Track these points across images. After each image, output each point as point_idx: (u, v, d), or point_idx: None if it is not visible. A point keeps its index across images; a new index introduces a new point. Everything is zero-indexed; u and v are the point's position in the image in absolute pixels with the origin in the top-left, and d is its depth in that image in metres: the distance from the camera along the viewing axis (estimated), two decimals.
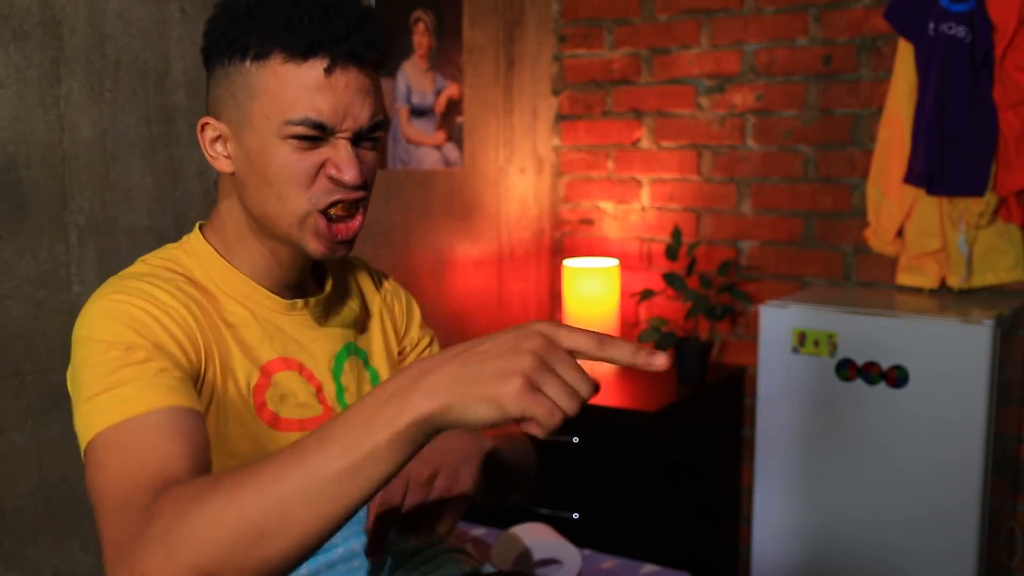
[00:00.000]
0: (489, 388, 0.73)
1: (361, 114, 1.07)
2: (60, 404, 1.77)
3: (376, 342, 1.30)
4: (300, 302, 1.18)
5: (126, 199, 1.88)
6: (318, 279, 1.25)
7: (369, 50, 1.06)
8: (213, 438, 1.07)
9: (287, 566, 0.78)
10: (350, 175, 1.06)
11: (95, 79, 1.81)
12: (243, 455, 1.09)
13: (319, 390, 1.18)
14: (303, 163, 1.06)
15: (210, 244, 1.17)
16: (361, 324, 1.28)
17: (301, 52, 1.03)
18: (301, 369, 1.17)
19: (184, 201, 1.98)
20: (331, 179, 1.07)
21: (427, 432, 0.76)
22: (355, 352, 1.25)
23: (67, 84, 1.77)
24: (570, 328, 0.78)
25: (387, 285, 1.38)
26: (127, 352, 0.98)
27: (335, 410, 1.18)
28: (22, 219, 1.72)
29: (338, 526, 0.78)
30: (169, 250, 1.18)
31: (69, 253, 1.79)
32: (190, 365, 1.04)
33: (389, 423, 0.75)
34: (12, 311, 1.71)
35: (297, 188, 1.06)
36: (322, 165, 1.06)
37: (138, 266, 1.15)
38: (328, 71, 1.04)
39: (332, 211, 1.08)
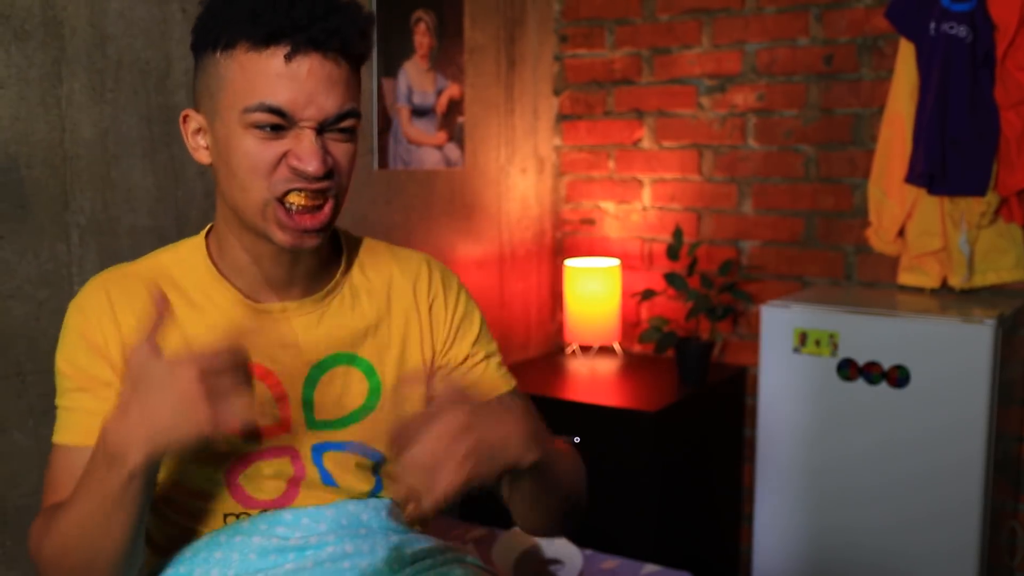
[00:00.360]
0: (188, 425, 0.94)
1: (327, 103, 1.06)
2: None
3: (391, 351, 1.23)
4: (278, 306, 1.17)
5: (127, 199, 1.88)
6: (322, 279, 1.21)
7: (332, 37, 1.04)
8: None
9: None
10: (312, 165, 1.05)
11: (96, 79, 1.81)
12: (192, 459, 1.13)
13: (281, 399, 1.15)
14: (264, 153, 1.06)
15: (208, 243, 1.19)
16: (373, 331, 1.22)
17: (263, 40, 1.04)
18: (266, 375, 1.15)
19: (185, 201, 1.99)
20: (292, 169, 1.06)
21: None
22: (351, 362, 1.20)
23: (68, 84, 1.77)
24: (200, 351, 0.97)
25: (438, 291, 1.29)
26: (67, 378, 1.13)
27: (296, 423, 1.16)
28: (23, 219, 1.72)
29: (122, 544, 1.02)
30: (183, 243, 1.22)
31: (70, 253, 1.79)
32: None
33: (117, 478, 0.98)
34: (13, 311, 1.71)
35: (257, 177, 1.06)
36: (284, 155, 1.06)
37: (127, 266, 1.21)
38: (288, 58, 1.04)
39: (290, 199, 1.07)
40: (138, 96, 1.89)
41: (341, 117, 1.07)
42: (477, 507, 2.59)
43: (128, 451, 0.94)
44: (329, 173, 1.08)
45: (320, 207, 1.09)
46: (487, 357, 1.31)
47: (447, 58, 2.68)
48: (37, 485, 1.76)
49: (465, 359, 1.29)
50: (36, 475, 1.75)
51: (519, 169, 3.04)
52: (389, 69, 2.48)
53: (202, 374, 0.93)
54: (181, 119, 1.15)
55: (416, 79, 2.58)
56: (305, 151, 1.05)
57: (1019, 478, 2.58)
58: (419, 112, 2.60)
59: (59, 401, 1.14)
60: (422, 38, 2.59)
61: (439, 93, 2.67)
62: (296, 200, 1.07)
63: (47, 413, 1.76)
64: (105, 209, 1.84)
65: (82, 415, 1.11)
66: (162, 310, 0.99)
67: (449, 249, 2.75)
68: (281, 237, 1.09)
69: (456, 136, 2.74)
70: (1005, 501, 2.48)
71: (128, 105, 1.87)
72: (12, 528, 1.73)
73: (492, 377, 1.30)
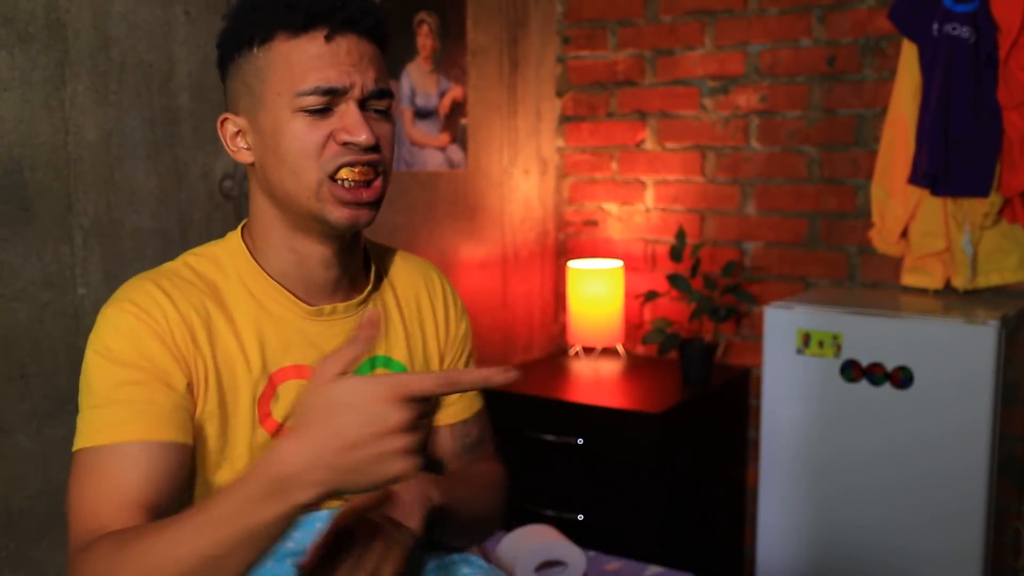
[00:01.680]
0: (379, 474, 0.81)
1: (366, 77, 1.09)
2: (65, 406, 1.77)
3: (418, 353, 1.29)
4: (327, 308, 1.18)
5: (131, 201, 1.88)
6: (358, 283, 1.23)
7: (366, 16, 1.09)
8: (216, 448, 1.11)
9: None
10: (363, 135, 1.08)
11: (100, 81, 1.82)
12: (240, 466, 1.12)
13: None
14: (312, 135, 1.08)
15: (244, 243, 1.19)
16: (403, 333, 1.27)
17: (301, 25, 1.07)
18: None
19: (188, 203, 1.99)
20: (342, 144, 1.08)
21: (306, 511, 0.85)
22: (387, 364, 1.24)
23: (72, 86, 1.77)
24: (410, 377, 0.83)
25: (450, 303, 1.36)
26: (124, 370, 1.04)
27: None
28: (27, 221, 1.72)
29: None
30: (211, 246, 1.20)
31: (74, 255, 1.79)
32: (186, 381, 1.08)
33: (271, 512, 0.83)
34: (17, 313, 1.71)
35: (308, 159, 1.08)
36: (330, 135, 1.09)
37: (169, 265, 1.17)
38: (328, 38, 1.08)
39: (342, 175, 1.09)
40: (141, 98, 1.89)
41: (380, 93, 1.11)
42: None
43: (299, 487, 0.82)
44: (376, 147, 1.10)
45: (371, 182, 1.11)
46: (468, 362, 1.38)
47: (450, 60, 2.68)
48: (41, 487, 1.76)
49: (453, 365, 1.35)
50: (39, 477, 1.76)
51: (522, 170, 3.04)
52: (392, 71, 2.47)
53: (413, 414, 0.82)
54: (219, 124, 1.16)
55: (419, 81, 2.58)
56: (352, 124, 1.08)
57: (1023, 479, 2.57)
58: (422, 114, 2.60)
59: (104, 398, 1.04)
60: (425, 40, 2.59)
61: (442, 95, 2.67)
62: (348, 175, 1.09)
63: (51, 415, 1.76)
64: (108, 211, 1.84)
65: (147, 407, 1.03)
66: (372, 329, 0.87)
67: (452, 251, 2.76)
68: (338, 215, 1.10)
69: (459, 138, 2.74)
70: (1009, 502, 2.47)
71: (131, 107, 1.87)
72: (15, 530, 1.73)
73: (471, 395, 1.36)
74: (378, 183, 1.12)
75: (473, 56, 2.79)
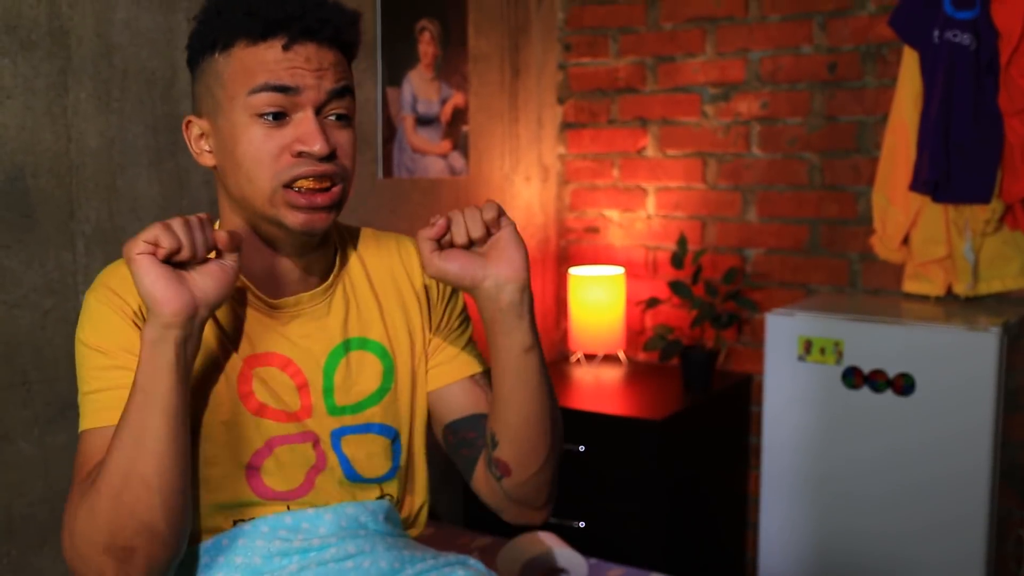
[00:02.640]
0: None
1: (323, 83, 1.10)
2: (66, 413, 1.78)
3: (400, 331, 1.27)
4: (291, 299, 1.19)
5: (133, 208, 1.88)
6: (325, 272, 1.24)
7: (325, 26, 1.10)
8: (202, 427, 1.14)
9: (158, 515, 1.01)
10: (317, 144, 1.08)
11: (102, 89, 1.82)
12: (225, 442, 1.15)
13: (302, 387, 1.19)
14: (268, 144, 1.09)
15: None
16: (380, 313, 1.26)
17: (260, 33, 1.08)
18: (286, 365, 1.19)
19: (190, 210, 1.99)
20: (297, 154, 1.09)
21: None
22: (363, 346, 1.24)
23: (74, 94, 1.78)
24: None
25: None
26: (104, 356, 1.11)
27: (317, 407, 1.19)
28: (29, 228, 1.72)
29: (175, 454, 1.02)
30: None
31: (76, 262, 1.80)
32: None
33: (154, 346, 1.01)
34: (19, 320, 1.72)
35: (262, 167, 1.09)
36: (287, 146, 1.09)
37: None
38: (286, 48, 1.09)
39: (298, 185, 1.09)
40: (144, 105, 1.89)
41: (340, 91, 1.11)
42: (482, 516, 2.58)
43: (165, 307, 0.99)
44: (332, 155, 1.10)
45: (328, 189, 1.11)
46: (469, 335, 1.35)
47: (451, 67, 2.69)
48: (42, 494, 1.76)
49: (455, 327, 1.33)
50: (41, 484, 1.76)
51: (523, 177, 3.04)
52: (393, 78, 2.48)
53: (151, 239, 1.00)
54: (184, 126, 1.18)
55: (420, 88, 2.59)
56: (307, 133, 1.08)
57: None
58: (423, 121, 2.61)
59: (93, 384, 1.11)
60: (426, 47, 2.60)
61: (443, 102, 2.67)
62: (304, 185, 1.10)
63: (52, 422, 1.76)
64: (111, 218, 1.85)
65: (125, 389, 1.08)
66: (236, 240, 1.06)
67: None
68: (293, 219, 1.10)
69: (460, 145, 2.75)
70: (1011, 509, 2.47)
71: (134, 114, 1.88)
72: (17, 537, 1.73)
73: (471, 353, 1.33)
74: (336, 189, 1.12)
75: (475, 63, 2.79)
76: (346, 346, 1.23)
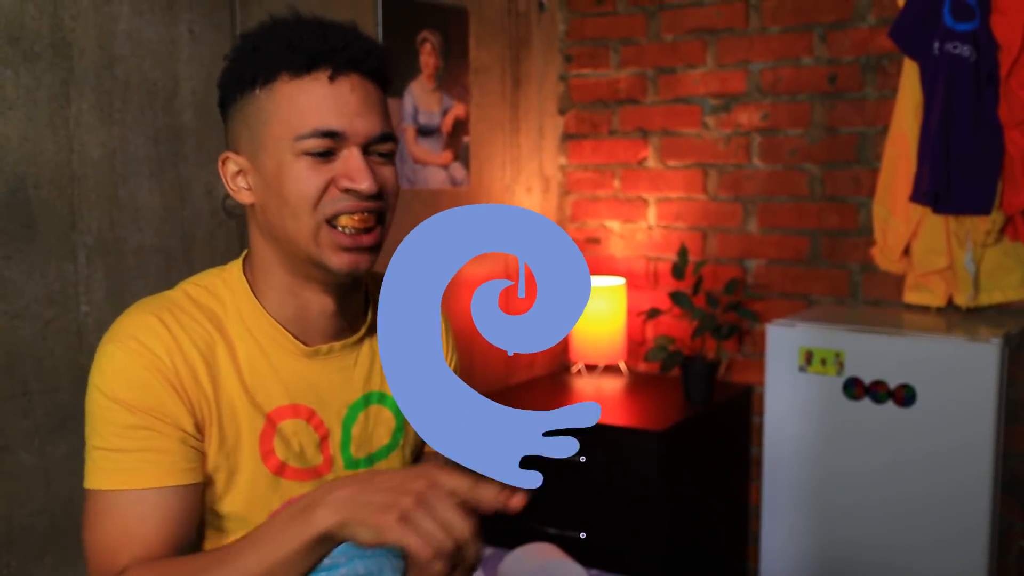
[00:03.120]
0: (372, 516, 0.88)
1: (370, 121, 1.08)
2: (67, 423, 1.77)
3: None
4: (324, 347, 1.17)
5: (134, 219, 1.89)
6: (356, 320, 1.21)
7: (369, 57, 1.09)
8: (222, 481, 1.11)
9: None
10: (365, 183, 1.06)
11: (104, 100, 1.83)
12: (245, 502, 1.12)
13: (324, 439, 1.17)
14: (315, 179, 1.06)
15: (245, 278, 1.17)
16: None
17: (304, 66, 1.06)
18: (311, 417, 1.16)
19: (192, 221, 1.99)
20: (343, 191, 1.07)
21: (329, 544, 0.92)
22: (381, 400, 1.22)
23: (76, 105, 1.78)
24: (451, 472, 0.90)
25: (444, 329, 1.33)
26: (131, 415, 1.05)
27: (336, 460, 1.17)
28: (31, 239, 1.73)
29: None
30: (211, 275, 1.18)
31: (77, 273, 1.80)
32: (193, 421, 1.07)
33: (297, 535, 0.91)
34: (20, 330, 1.72)
35: (307, 204, 1.06)
36: (331, 180, 1.07)
37: (170, 294, 1.15)
38: (332, 79, 1.07)
39: (342, 223, 1.07)
40: (145, 116, 1.90)
41: (384, 137, 1.10)
42: (484, 526, 2.58)
43: (322, 506, 0.90)
44: (379, 194, 1.09)
45: (372, 228, 1.09)
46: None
47: (452, 78, 2.70)
48: (43, 504, 1.76)
49: None
50: (42, 494, 1.76)
51: (524, 188, 3.05)
52: (395, 89, 2.49)
53: (427, 489, 0.88)
54: (220, 162, 1.14)
55: (422, 99, 2.59)
56: (355, 170, 1.06)
57: None
58: (425, 132, 2.61)
59: (112, 442, 1.05)
60: (428, 58, 2.60)
61: (444, 113, 2.68)
62: (348, 223, 1.07)
63: (53, 432, 1.76)
64: (112, 229, 1.85)
65: (158, 455, 1.05)
66: None
67: None
68: (337, 261, 1.08)
69: (461, 155, 2.75)
70: (1013, 521, 2.46)
71: (135, 125, 1.88)
72: (17, 547, 1.73)
73: None
74: (379, 230, 1.10)
75: (476, 74, 2.80)
76: (366, 400, 1.21)
